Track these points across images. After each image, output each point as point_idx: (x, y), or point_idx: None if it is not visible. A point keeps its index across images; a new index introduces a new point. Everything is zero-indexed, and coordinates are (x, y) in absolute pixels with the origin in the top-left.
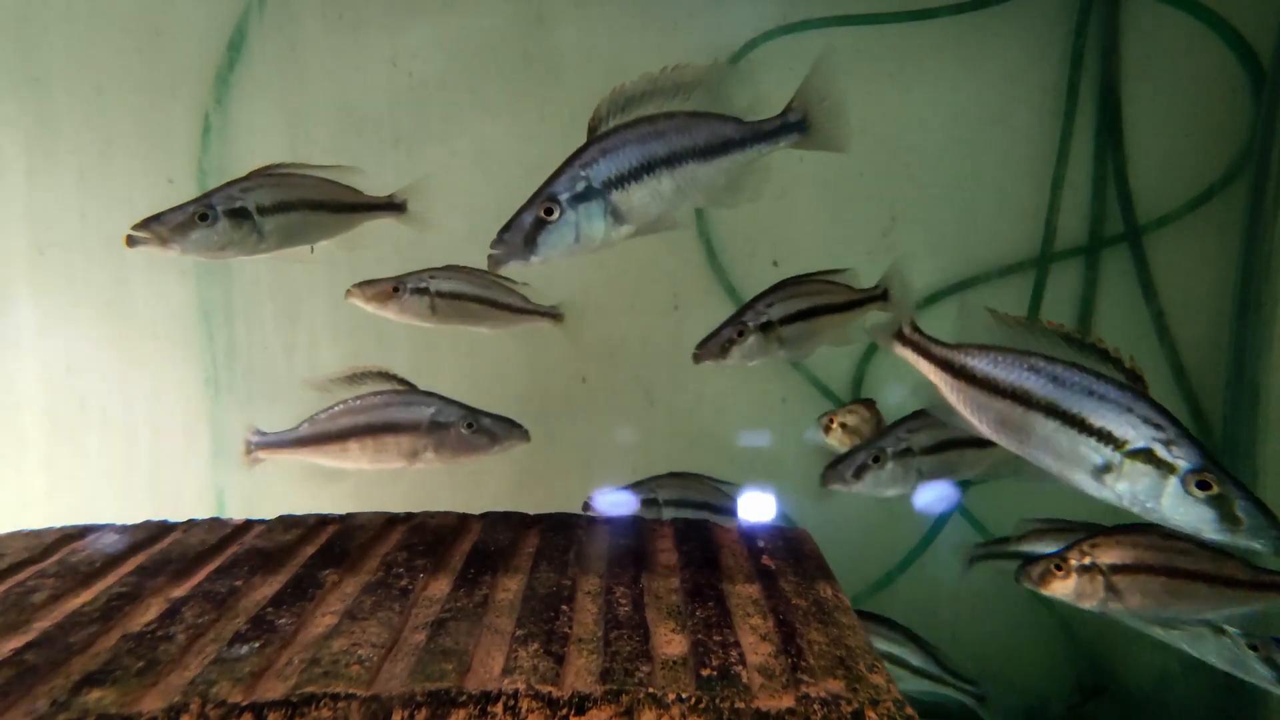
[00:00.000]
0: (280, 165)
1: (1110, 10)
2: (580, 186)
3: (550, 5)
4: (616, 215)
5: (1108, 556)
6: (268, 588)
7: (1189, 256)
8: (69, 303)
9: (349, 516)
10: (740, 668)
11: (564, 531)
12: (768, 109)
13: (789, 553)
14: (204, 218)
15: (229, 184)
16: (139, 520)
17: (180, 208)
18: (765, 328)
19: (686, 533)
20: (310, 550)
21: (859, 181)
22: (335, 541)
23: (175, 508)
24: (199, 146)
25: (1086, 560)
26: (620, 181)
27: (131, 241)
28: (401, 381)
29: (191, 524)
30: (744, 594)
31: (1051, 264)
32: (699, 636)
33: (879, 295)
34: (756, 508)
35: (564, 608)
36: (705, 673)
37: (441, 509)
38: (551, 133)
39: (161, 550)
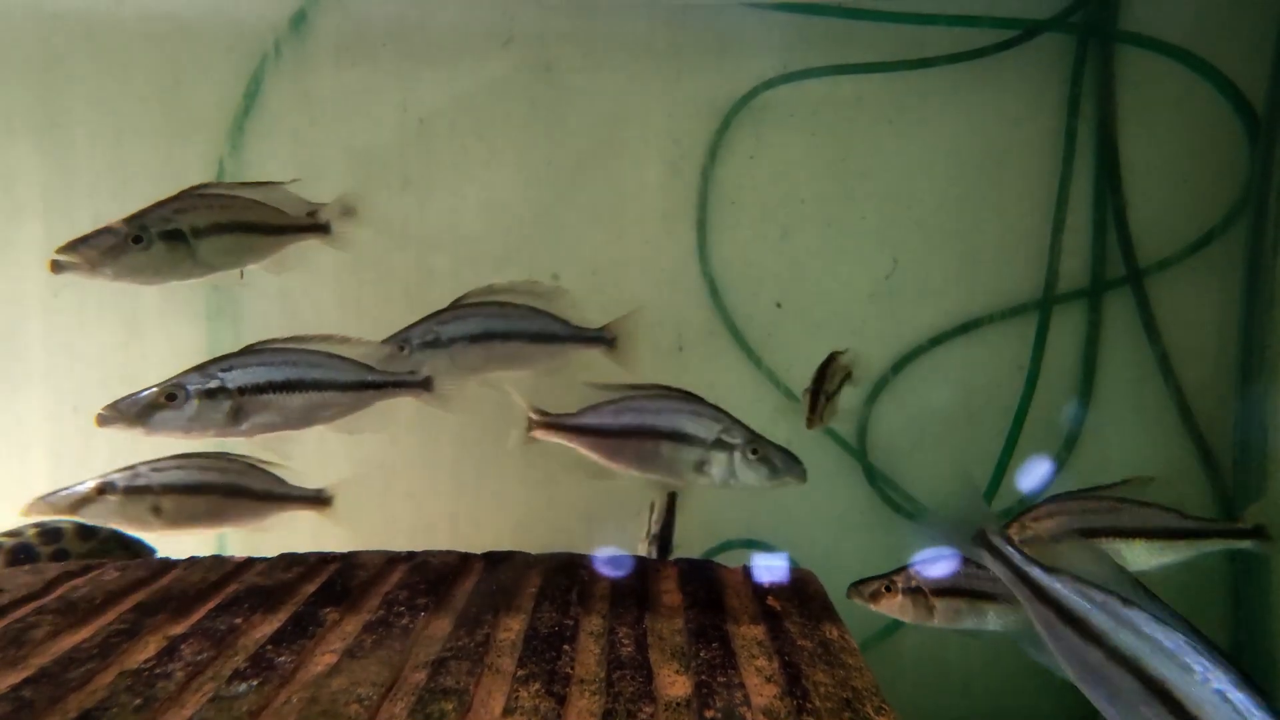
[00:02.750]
0: (209, 185)
1: (1104, 60)
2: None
3: (558, 54)
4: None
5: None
6: (268, 626)
7: (1191, 299)
8: (80, 343)
9: (350, 555)
10: (745, 709)
11: (566, 571)
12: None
13: (794, 594)
14: (138, 240)
15: (159, 204)
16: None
17: (110, 230)
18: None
19: (691, 573)
20: (311, 589)
21: (861, 225)
22: (336, 580)
23: (176, 546)
24: None
25: (914, 583)
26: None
27: (57, 267)
28: (680, 393)
29: (193, 561)
30: (749, 635)
31: (1054, 306)
32: (703, 678)
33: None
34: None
35: (566, 648)
36: (709, 714)
37: (442, 549)
38: (558, 178)
39: (162, 587)
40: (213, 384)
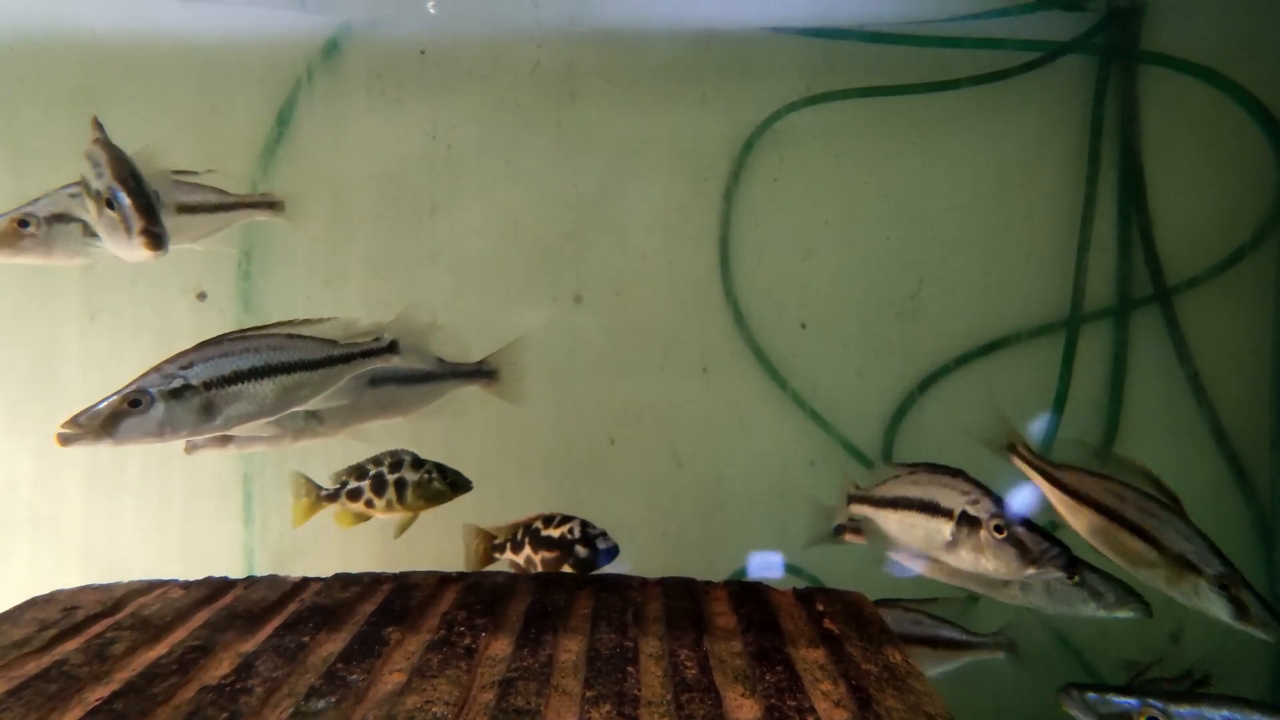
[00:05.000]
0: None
1: (1127, 80)
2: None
3: (582, 81)
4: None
5: None
6: (333, 644)
7: (1223, 318)
8: (115, 365)
9: (402, 575)
10: None
11: (617, 593)
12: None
13: (850, 616)
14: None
15: (133, 173)
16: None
17: (143, 205)
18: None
19: (742, 595)
20: (369, 608)
21: (886, 245)
22: (393, 599)
23: (205, 567)
24: None
25: None
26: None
27: (155, 241)
28: (955, 473)
29: (251, 580)
30: (809, 658)
31: (1082, 325)
32: (772, 701)
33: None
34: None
35: (630, 669)
36: None
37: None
38: (583, 201)
39: (226, 606)
40: (176, 383)
